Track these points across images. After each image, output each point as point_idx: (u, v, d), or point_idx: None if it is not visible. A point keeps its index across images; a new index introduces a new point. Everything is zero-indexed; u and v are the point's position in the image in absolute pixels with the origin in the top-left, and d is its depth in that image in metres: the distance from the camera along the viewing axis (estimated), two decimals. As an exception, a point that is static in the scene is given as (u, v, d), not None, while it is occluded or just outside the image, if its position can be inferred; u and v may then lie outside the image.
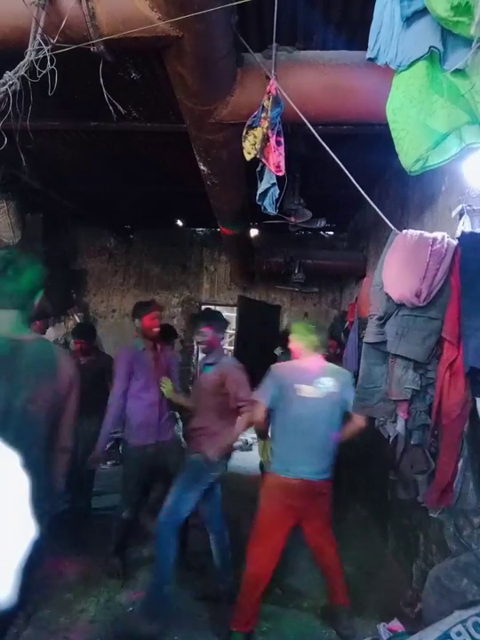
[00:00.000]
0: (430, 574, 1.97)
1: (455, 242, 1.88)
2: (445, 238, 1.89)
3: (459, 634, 1.66)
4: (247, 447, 7.09)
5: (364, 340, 2.15)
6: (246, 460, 6.40)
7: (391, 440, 2.31)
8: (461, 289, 1.79)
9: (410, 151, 1.49)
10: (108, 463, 5.01)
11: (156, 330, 3.23)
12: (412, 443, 2.01)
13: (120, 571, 3.15)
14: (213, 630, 2.68)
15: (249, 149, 1.89)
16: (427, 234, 1.92)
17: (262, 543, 2.55)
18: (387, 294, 1.98)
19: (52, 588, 2.94)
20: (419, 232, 1.95)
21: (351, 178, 1.88)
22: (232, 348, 7.41)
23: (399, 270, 1.92)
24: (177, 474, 3.02)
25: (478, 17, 1.16)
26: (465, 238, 1.89)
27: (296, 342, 2.80)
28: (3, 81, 1.63)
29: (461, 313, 1.77)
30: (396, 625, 2.47)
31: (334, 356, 4.86)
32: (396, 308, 1.96)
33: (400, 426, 2.01)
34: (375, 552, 3.56)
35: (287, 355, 3.65)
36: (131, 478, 3.19)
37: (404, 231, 1.98)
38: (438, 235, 1.91)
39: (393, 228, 2.01)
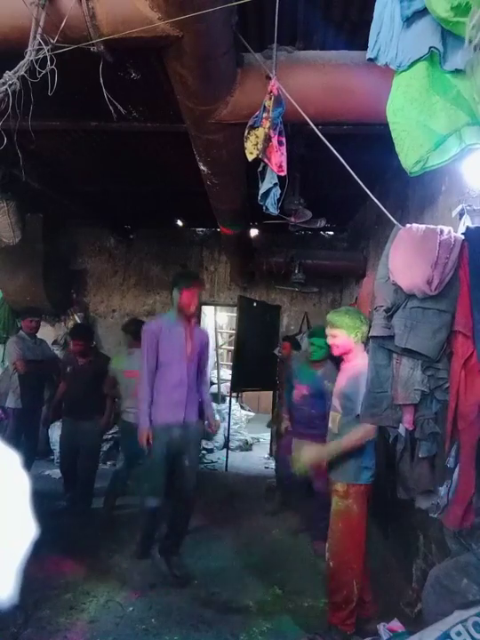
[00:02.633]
0: (430, 574, 1.96)
1: (461, 237, 1.86)
2: (451, 231, 1.86)
3: (459, 634, 1.66)
4: (247, 447, 7.09)
5: (371, 334, 2.01)
6: (246, 460, 6.40)
7: (391, 440, 2.29)
8: (471, 283, 1.73)
9: (410, 152, 1.48)
10: (108, 463, 5.01)
11: (193, 308, 3.06)
12: (419, 456, 1.87)
13: (166, 568, 3.04)
14: (213, 630, 2.68)
15: (251, 150, 1.89)
16: (432, 226, 1.90)
17: (359, 547, 2.56)
18: (394, 285, 1.89)
19: (51, 587, 2.95)
20: (424, 225, 1.93)
21: (354, 175, 1.87)
22: (232, 347, 7.42)
23: (408, 259, 1.84)
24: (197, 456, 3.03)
25: (475, 19, 1.16)
26: (471, 233, 1.86)
27: (345, 336, 2.57)
28: (3, 81, 1.63)
29: (473, 307, 1.70)
30: (396, 625, 2.47)
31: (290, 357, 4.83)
32: (404, 299, 1.86)
33: (401, 429, 1.95)
34: (375, 552, 3.57)
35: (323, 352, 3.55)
36: (155, 460, 2.99)
37: (408, 225, 1.95)
38: (444, 227, 1.88)
39: (396, 222, 1.99)
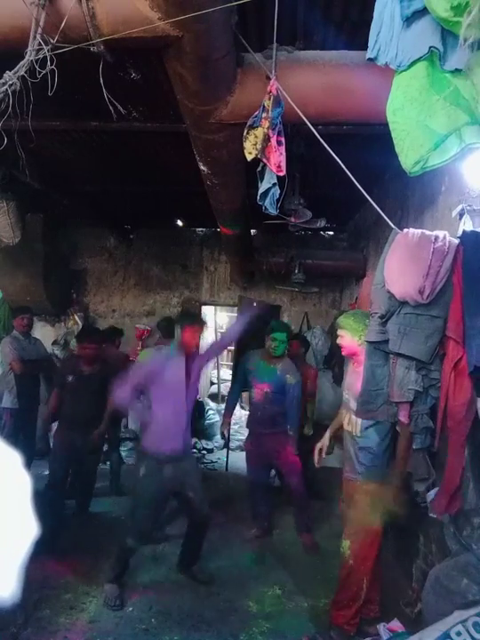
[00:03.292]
0: (430, 574, 1.97)
1: (456, 241, 1.88)
2: (447, 237, 1.88)
3: (459, 634, 1.66)
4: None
5: (366, 338, 2.11)
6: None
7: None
8: (464, 288, 1.77)
9: (410, 152, 1.49)
10: (108, 463, 5.00)
11: (194, 347, 3.00)
12: (414, 447, 1.97)
13: (119, 599, 2.87)
14: (213, 630, 2.68)
15: (250, 149, 1.89)
16: (428, 232, 1.92)
17: (376, 546, 2.59)
18: (389, 292, 1.95)
19: (52, 587, 2.95)
20: (420, 231, 1.94)
21: (352, 177, 1.88)
22: (232, 348, 7.41)
23: (401, 267, 1.90)
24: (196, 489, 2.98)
25: (470, 18, 1.16)
26: (466, 237, 1.88)
27: (349, 337, 2.62)
28: (3, 81, 1.63)
29: (464, 312, 1.74)
30: (395, 625, 2.47)
31: (300, 357, 4.68)
32: (398, 306, 1.93)
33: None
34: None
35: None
36: (145, 498, 2.89)
37: (405, 230, 1.98)
38: (440, 233, 1.90)
39: (393, 226, 2.00)
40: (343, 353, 2.78)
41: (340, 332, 2.70)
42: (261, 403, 3.83)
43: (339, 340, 2.73)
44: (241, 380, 4.08)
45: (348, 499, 2.66)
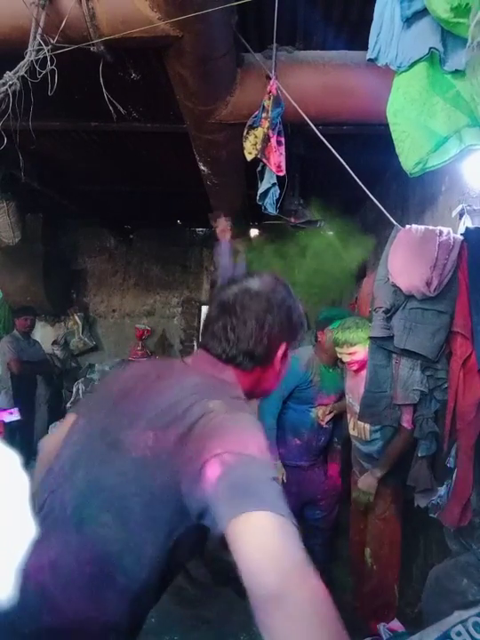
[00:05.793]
0: (430, 574, 1.97)
1: (460, 237, 1.86)
2: (451, 232, 1.87)
3: (459, 634, 1.65)
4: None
5: (370, 335, 2.05)
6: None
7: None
8: (470, 284, 1.75)
9: (410, 153, 1.49)
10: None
11: None
12: (418, 454, 1.89)
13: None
14: (213, 630, 2.68)
15: (250, 149, 1.89)
16: (431, 227, 1.91)
17: (399, 550, 2.56)
18: (394, 286, 1.91)
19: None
20: (423, 226, 1.93)
21: (354, 176, 1.88)
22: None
23: (407, 261, 1.86)
24: None
25: (476, 19, 1.16)
26: (470, 234, 1.87)
27: (364, 351, 2.33)
28: (3, 81, 1.64)
29: (471, 308, 1.71)
30: (395, 625, 2.47)
31: None
32: (403, 301, 1.88)
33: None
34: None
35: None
36: None
37: (408, 226, 1.96)
38: (443, 229, 1.88)
39: (396, 223, 2.00)
40: (356, 369, 2.51)
41: (351, 349, 2.43)
42: (326, 428, 2.88)
43: (350, 358, 2.48)
44: (282, 397, 2.79)
45: (358, 502, 2.61)
